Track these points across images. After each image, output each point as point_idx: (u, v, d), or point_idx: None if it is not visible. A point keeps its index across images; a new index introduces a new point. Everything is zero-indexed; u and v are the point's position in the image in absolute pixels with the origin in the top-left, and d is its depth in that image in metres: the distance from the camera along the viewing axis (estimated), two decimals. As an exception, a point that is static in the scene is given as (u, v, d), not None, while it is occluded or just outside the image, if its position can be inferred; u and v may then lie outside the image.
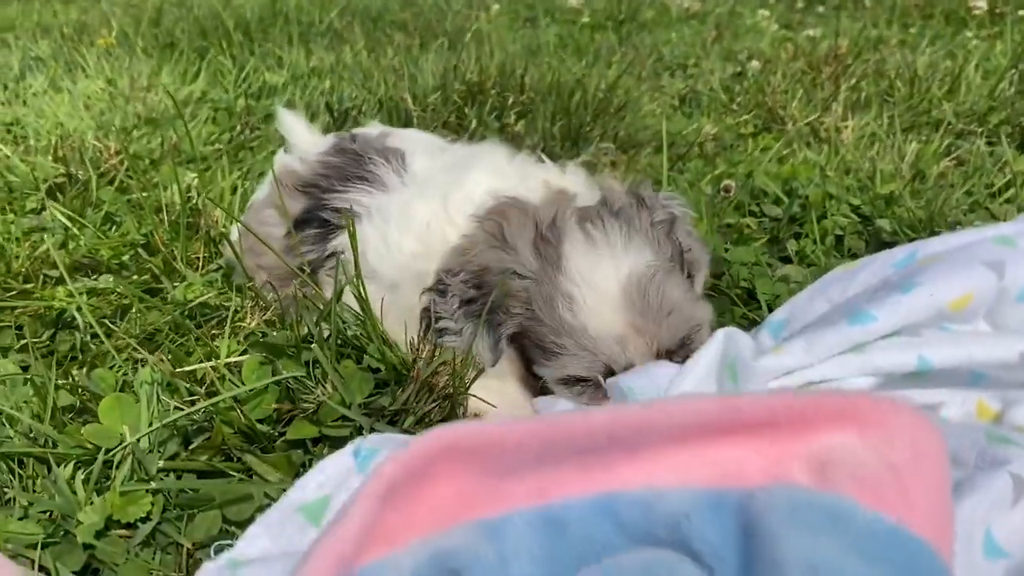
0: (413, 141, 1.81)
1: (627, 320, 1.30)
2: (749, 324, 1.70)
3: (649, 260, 1.34)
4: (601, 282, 1.31)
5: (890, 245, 2.01)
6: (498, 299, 1.36)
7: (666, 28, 5.40)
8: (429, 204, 1.53)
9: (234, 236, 1.90)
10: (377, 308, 1.50)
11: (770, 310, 1.69)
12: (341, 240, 1.59)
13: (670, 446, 0.73)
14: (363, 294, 1.47)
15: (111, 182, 2.39)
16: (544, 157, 1.69)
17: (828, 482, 0.69)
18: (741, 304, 1.75)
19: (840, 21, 5.48)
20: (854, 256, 2.02)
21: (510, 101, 2.93)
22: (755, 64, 3.70)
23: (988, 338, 1.34)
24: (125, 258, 2.01)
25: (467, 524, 0.71)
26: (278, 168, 1.84)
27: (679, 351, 1.35)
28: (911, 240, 1.98)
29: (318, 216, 1.65)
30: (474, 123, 2.80)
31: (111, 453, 1.26)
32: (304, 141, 2.05)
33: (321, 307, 1.53)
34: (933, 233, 1.99)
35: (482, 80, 3.05)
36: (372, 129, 1.92)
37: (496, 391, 1.44)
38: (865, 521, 0.65)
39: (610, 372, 1.33)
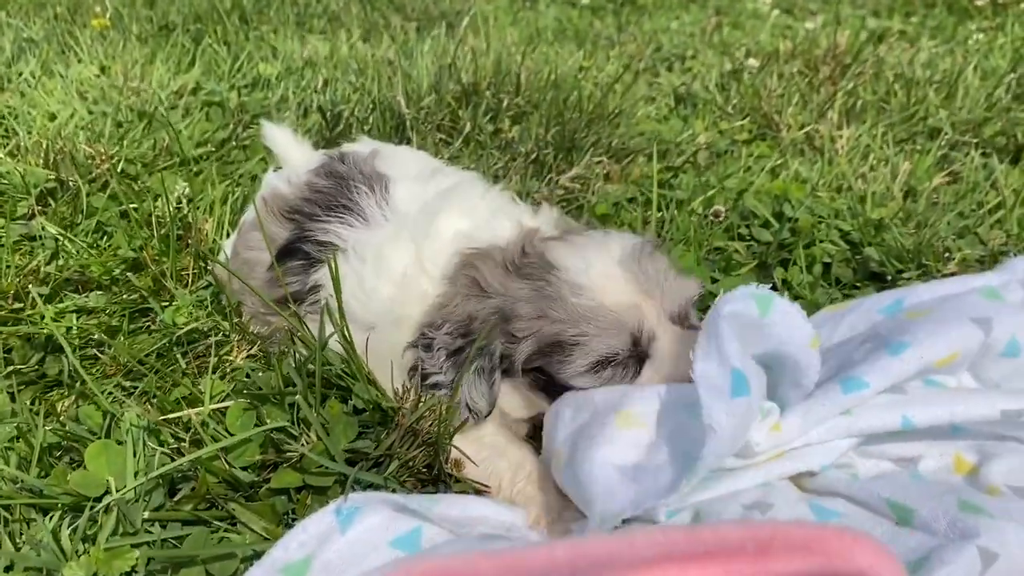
0: (401, 165, 1.80)
1: (634, 289, 1.40)
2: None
3: (628, 239, 1.48)
4: (599, 265, 1.41)
5: (878, 275, 2.03)
6: (489, 340, 1.41)
7: (666, 12, 5.36)
8: (402, 253, 1.56)
9: (225, 249, 1.91)
10: (359, 348, 1.52)
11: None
12: (323, 273, 1.59)
13: (634, 572, 0.74)
14: (347, 335, 1.48)
15: (103, 187, 2.39)
16: (516, 198, 1.74)
17: (789, 617, 0.71)
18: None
19: (841, 6, 5.44)
20: (841, 285, 2.03)
21: (505, 104, 2.91)
22: (752, 62, 3.67)
23: (971, 395, 1.35)
24: (115, 273, 2.01)
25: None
26: (266, 189, 1.83)
27: (686, 319, 1.46)
28: (898, 272, 2.00)
29: (301, 248, 1.66)
30: (468, 126, 2.79)
31: (97, 507, 1.27)
32: (293, 156, 2.04)
33: (303, 342, 1.54)
34: (921, 265, 2.00)
35: (477, 80, 3.03)
36: (363, 147, 1.91)
37: (474, 439, 1.46)
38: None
39: (635, 342, 1.39)
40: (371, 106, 2.92)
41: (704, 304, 1.84)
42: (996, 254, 2.13)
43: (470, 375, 1.41)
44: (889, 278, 2.00)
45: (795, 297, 1.92)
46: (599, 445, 1.27)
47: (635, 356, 1.41)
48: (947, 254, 2.07)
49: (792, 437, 1.32)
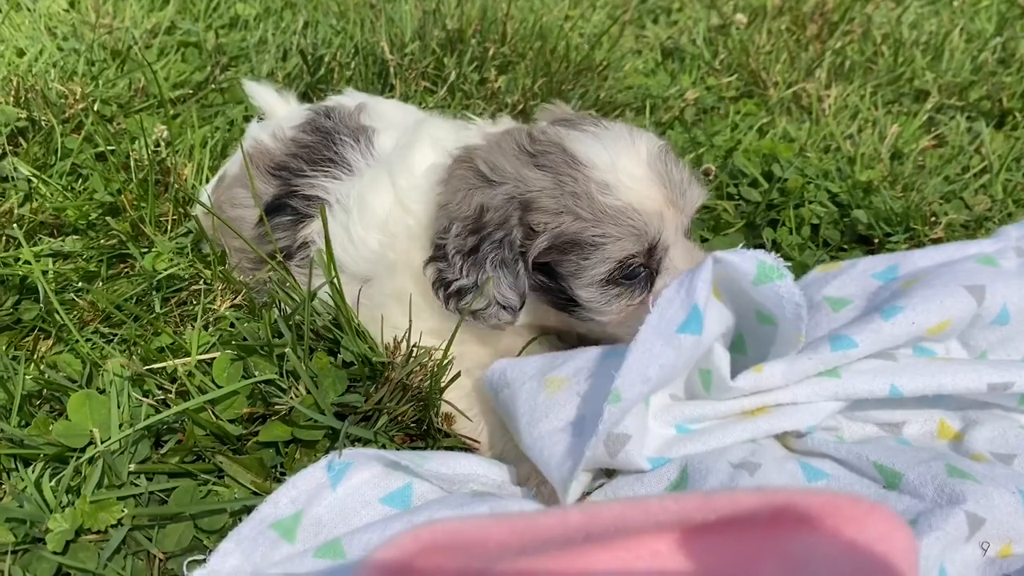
0: (387, 118, 1.76)
1: (660, 194, 1.35)
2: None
3: (654, 140, 1.41)
4: (629, 165, 1.34)
5: (866, 238, 2.03)
6: (507, 229, 1.35)
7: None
8: (383, 196, 1.52)
9: (203, 197, 1.85)
10: (351, 300, 1.49)
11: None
12: (312, 228, 1.57)
13: (646, 536, 0.74)
14: (338, 284, 1.45)
15: (77, 128, 2.31)
16: (472, 116, 1.70)
17: (800, 585, 0.71)
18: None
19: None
20: (828, 247, 2.03)
21: (491, 53, 2.85)
22: (740, 17, 3.62)
23: (959, 367, 1.36)
24: (92, 218, 1.96)
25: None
26: (250, 144, 1.78)
27: (689, 231, 1.44)
28: (886, 235, 2.00)
29: (288, 204, 1.62)
30: (453, 75, 2.73)
31: (81, 459, 1.25)
32: (278, 112, 1.99)
33: (294, 296, 1.51)
34: (908, 228, 2.00)
35: (463, 27, 2.96)
36: (349, 100, 1.86)
37: (466, 393, 1.45)
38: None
39: (650, 252, 1.36)
40: (353, 51, 2.84)
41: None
42: (981, 219, 2.14)
43: (491, 269, 1.35)
44: (876, 241, 2.00)
45: (784, 258, 1.90)
46: (537, 421, 1.27)
47: (648, 268, 1.38)
48: (934, 218, 2.08)
49: (774, 383, 1.33)
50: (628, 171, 1.34)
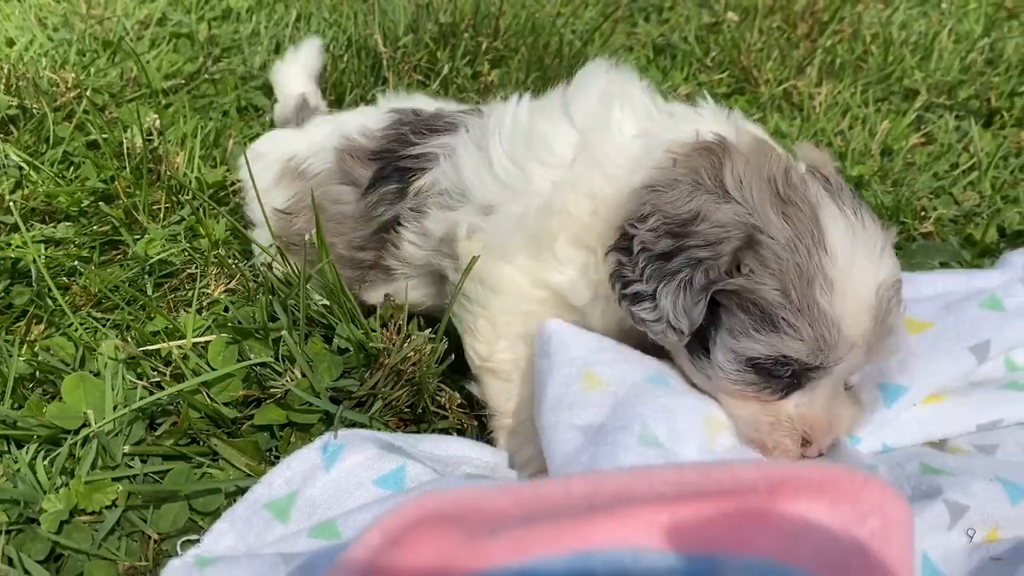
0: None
1: (867, 331, 1.20)
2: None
3: (897, 271, 1.24)
4: (862, 283, 1.18)
5: (856, 232, 2.04)
6: (717, 254, 1.17)
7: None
8: (566, 137, 1.35)
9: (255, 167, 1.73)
10: (463, 231, 1.38)
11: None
12: (424, 180, 1.46)
13: (648, 508, 0.74)
14: (334, 274, 1.45)
15: (68, 117, 2.30)
16: (709, 97, 1.46)
17: (795, 556, 0.72)
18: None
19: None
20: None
21: (484, 47, 2.85)
22: (732, 16, 3.64)
23: (944, 414, 1.36)
24: (84, 205, 1.95)
25: (445, 584, 0.73)
26: (339, 142, 1.67)
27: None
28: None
29: (395, 168, 1.53)
30: (446, 68, 2.73)
31: (76, 437, 1.24)
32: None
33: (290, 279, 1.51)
34: (899, 222, 2.01)
35: (456, 22, 2.97)
36: (427, 104, 1.81)
37: (491, 368, 1.39)
38: (829, 601, 0.68)
39: (815, 368, 1.21)
40: (347, 43, 2.84)
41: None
42: (970, 214, 2.16)
43: (673, 286, 1.18)
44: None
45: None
46: (561, 409, 1.21)
47: (795, 378, 1.24)
48: (923, 213, 2.10)
49: None
50: (858, 286, 1.17)
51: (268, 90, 2.59)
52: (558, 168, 1.33)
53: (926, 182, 2.25)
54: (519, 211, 1.33)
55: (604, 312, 1.33)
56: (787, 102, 2.91)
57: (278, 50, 2.98)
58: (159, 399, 1.29)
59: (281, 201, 1.67)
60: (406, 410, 1.42)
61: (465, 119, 1.53)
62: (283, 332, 1.32)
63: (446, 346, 1.40)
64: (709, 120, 1.33)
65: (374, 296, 1.55)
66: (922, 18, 3.94)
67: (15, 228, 1.85)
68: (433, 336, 1.40)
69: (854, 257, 1.17)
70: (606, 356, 1.27)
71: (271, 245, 1.55)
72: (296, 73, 2.38)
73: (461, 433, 1.45)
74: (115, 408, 1.29)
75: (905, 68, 3.15)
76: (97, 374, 1.37)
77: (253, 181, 1.60)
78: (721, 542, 0.74)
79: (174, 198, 2.00)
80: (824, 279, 1.15)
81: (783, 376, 1.22)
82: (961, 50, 3.34)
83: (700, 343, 1.26)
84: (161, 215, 1.96)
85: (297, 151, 1.75)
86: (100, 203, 1.86)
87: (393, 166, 1.52)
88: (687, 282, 1.18)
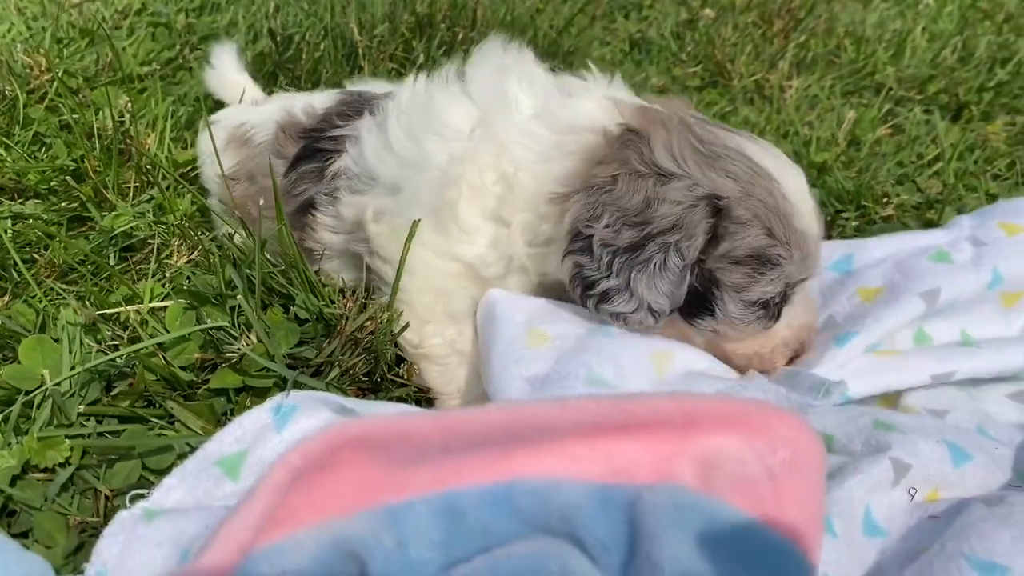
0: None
1: (820, 230, 1.34)
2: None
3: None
4: (803, 194, 1.31)
5: (818, 215, 2.07)
6: (690, 233, 1.22)
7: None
8: (466, 112, 1.39)
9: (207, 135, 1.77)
10: (370, 214, 1.43)
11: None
12: (339, 164, 1.50)
13: (567, 440, 0.77)
14: (291, 240, 1.47)
15: (41, 99, 2.32)
16: (594, 69, 1.49)
17: (710, 484, 0.74)
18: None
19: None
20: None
21: (460, 37, 2.88)
22: (708, 12, 3.68)
23: (903, 362, 1.39)
24: (54, 183, 1.96)
25: (369, 510, 0.74)
26: (281, 117, 1.71)
27: None
28: (838, 211, 2.04)
29: (315, 148, 1.58)
30: (422, 57, 2.76)
31: (31, 395, 1.26)
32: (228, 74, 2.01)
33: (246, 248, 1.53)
34: (860, 207, 2.05)
35: (432, 12, 2.99)
36: (380, 88, 1.82)
37: (447, 339, 1.43)
38: (739, 524, 0.70)
39: (801, 282, 1.34)
40: (323, 32, 2.86)
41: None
42: (932, 201, 2.19)
43: (649, 273, 1.22)
44: (829, 218, 2.04)
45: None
46: (509, 365, 1.23)
47: (785, 298, 1.35)
48: (885, 199, 2.13)
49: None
50: (805, 199, 1.30)
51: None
52: (454, 140, 1.37)
53: (891, 170, 2.28)
54: (419, 187, 1.36)
55: (520, 286, 1.38)
56: (759, 95, 2.95)
57: (255, 39, 3.00)
58: (115, 359, 1.30)
59: (227, 166, 1.70)
60: (363, 378, 1.44)
61: (380, 101, 1.56)
62: (239, 297, 1.34)
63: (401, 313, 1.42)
64: (596, 96, 1.38)
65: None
66: (898, 18, 3.99)
67: (-17, 204, 1.87)
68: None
69: (787, 176, 1.29)
70: (550, 315, 1.31)
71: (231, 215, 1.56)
72: (229, 70, 2.32)
73: (419, 403, 1.47)
74: (72, 370, 1.30)
75: (877, 64, 3.19)
76: (57, 340, 1.38)
77: (213, 141, 1.61)
78: (639, 473, 0.76)
79: (144, 178, 2.01)
80: (791, 207, 1.26)
81: (779, 302, 1.33)
82: (934, 48, 3.39)
83: (696, 309, 1.31)
84: (131, 194, 1.97)
85: (247, 119, 1.81)
86: (68, 178, 1.87)
87: (314, 147, 1.57)
88: (662, 267, 1.22)
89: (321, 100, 1.75)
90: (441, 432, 0.73)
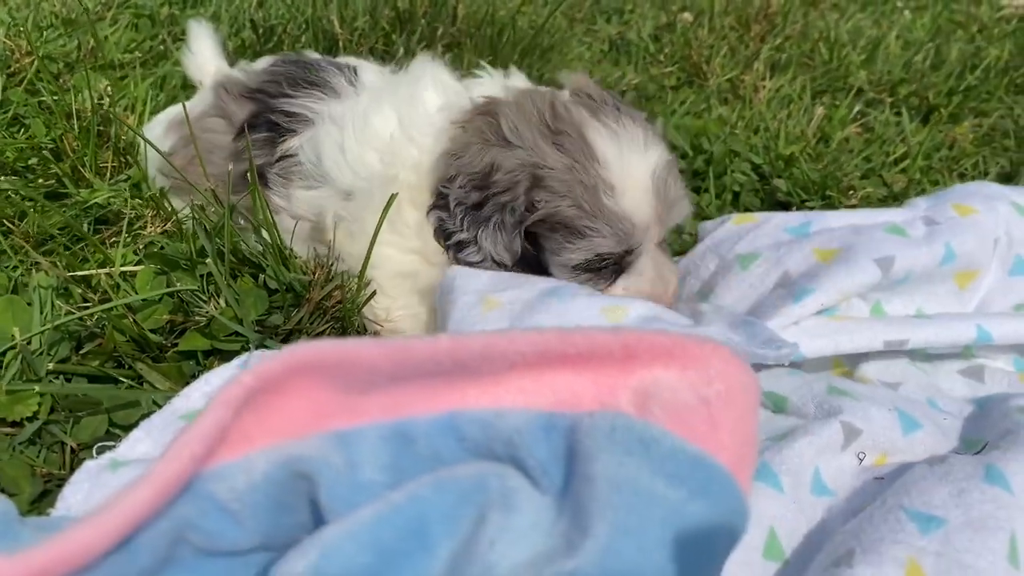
0: (360, 62, 1.82)
1: (654, 208, 1.44)
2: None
3: (662, 148, 1.48)
4: (637, 173, 1.41)
5: (784, 205, 2.12)
6: (514, 197, 1.41)
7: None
8: (385, 119, 1.55)
9: (158, 131, 1.90)
10: (330, 220, 1.55)
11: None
12: (291, 143, 1.61)
13: (513, 372, 0.80)
14: (267, 211, 1.50)
15: (20, 83, 2.33)
16: (487, 67, 1.71)
17: (647, 412, 0.77)
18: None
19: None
20: (747, 212, 2.11)
21: (440, 32, 2.92)
22: (687, 16, 3.74)
23: (856, 327, 1.42)
24: (32, 161, 1.99)
25: (320, 434, 0.77)
26: (217, 78, 1.82)
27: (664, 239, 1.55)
28: (803, 201, 2.09)
29: (267, 120, 1.65)
30: (401, 51, 2.80)
31: (0, 353, 1.28)
32: (209, 59, 2.05)
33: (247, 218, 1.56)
34: (825, 197, 2.09)
35: (413, 8, 3.04)
36: (313, 56, 1.90)
37: (407, 290, 1.53)
38: (670, 447, 0.74)
39: (626, 253, 1.46)
40: (304, 25, 2.90)
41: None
42: (897, 195, 2.25)
43: (490, 229, 1.43)
44: (794, 208, 2.09)
45: (704, 219, 2.00)
46: (464, 330, 1.30)
47: (618, 265, 1.48)
48: (851, 191, 2.18)
49: None
50: (634, 180, 1.41)
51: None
52: (382, 148, 1.53)
53: (858, 164, 2.33)
54: (369, 192, 1.51)
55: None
56: (733, 95, 3.00)
57: (238, 32, 3.03)
58: (85, 318, 1.33)
59: (167, 147, 1.79)
60: (331, 346, 1.46)
61: (335, 84, 1.66)
62: (208, 262, 1.36)
63: (369, 282, 1.45)
64: (488, 85, 1.59)
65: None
66: (874, 26, 4.06)
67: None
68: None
69: (623, 157, 1.40)
70: (504, 284, 1.37)
71: (206, 189, 1.59)
72: (208, 57, 2.37)
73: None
74: (41, 328, 1.33)
75: (850, 67, 3.26)
76: (30, 304, 1.40)
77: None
78: (581, 403, 0.80)
79: (121, 159, 2.04)
80: (604, 185, 1.39)
81: (608, 267, 1.47)
82: (907, 54, 3.46)
83: (537, 269, 1.49)
84: (108, 174, 2.00)
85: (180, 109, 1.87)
86: (47, 153, 1.89)
87: (265, 117, 1.65)
88: (500, 224, 1.42)
89: (257, 64, 1.87)
90: (391, 359, 0.76)
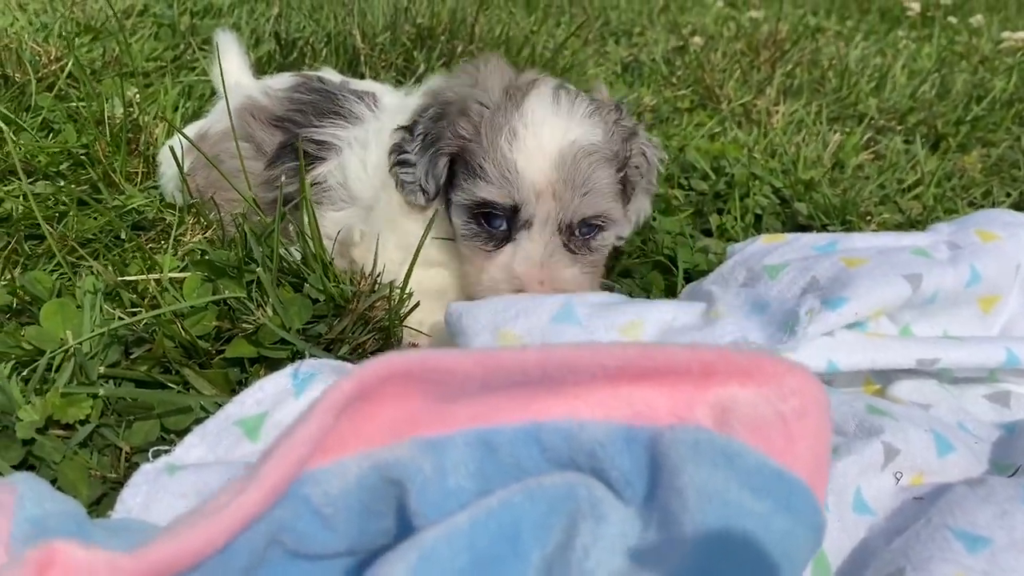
0: (379, 87, 1.86)
1: (551, 178, 1.41)
2: (667, 290, 1.81)
3: (595, 140, 1.45)
4: (547, 135, 1.42)
5: (805, 228, 2.16)
6: (446, 125, 1.49)
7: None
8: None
9: (178, 148, 1.91)
10: (357, 236, 1.61)
11: (687, 279, 1.81)
12: (321, 171, 1.66)
13: (594, 384, 0.82)
14: (314, 223, 1.52)
15: (49, 88, 2.35)
16: None
17: (727, 426, 0.79)
18: (662, 271, 1.86)
19: (783, 6, 5.63)
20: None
21: (459, 50, 2.96)
22: (697, 40, 3.80)
23: (890, 343, 1.46)
24: (63, 167, 2.00)
25: (411, 440, 0.79)
26: (241, 102, 1.82)
27: (579, 236, 1.50)
28: (824, 226, 2.13)
29: (295, 148, 1.67)
30: (422, 67, 2.83)
31: (52, 356, 1.29)
32: (235, 70, 2.07)
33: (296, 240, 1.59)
34: (845, 221, 2.13)
35: (433, 25, 3.07)
36: (333, 75, 1.94)
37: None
38: (754, 461, 0.76)
39: (514, 211, 1.44)
40: (326, 39, 2.93)
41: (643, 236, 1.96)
42: (913, 221, 2.29)
43: (426, 155, 1.51)
44: (815, 231, 2.12)
45: (728, 240, 2.03)
46: None
47: (509, 228, 1.47)
48: (869, 216, 2.22)
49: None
50: (540, 138, 1.42)
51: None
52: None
53: (873, 191, 2.38)
54: (382, 203, 1.60)
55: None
56: (747, 119, 3.05)
57: (257, 44, 3.06)
58: (135, 323, 1.34)
59: (187, 165, 1.80)
60: (372, 356, 1.48)
61: (358, 111, 1.73)
62: (258, 270, 1.38)
63: (411, 293, 1.47)
64: None
65: None
66: (879, 55, 4.14)
67: (-6, 183, 1.91)
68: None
69: (544, 119, 1.42)
70: (512, 311, 1.35)
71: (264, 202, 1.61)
72: (236, 73, 2.39)
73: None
74: (92, 331, 1.34)
75: (859, 94, 3.31)
76: (79, 307, 1.41)
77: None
78: (659, 416, 0.82)
79: (152, 166, 2.06)
80: (510, 130, 1.42)
81: (497, 228, 1.47)
82: (913, 83, 3.52)
83: (450, 216, 1.53)
84: (139, 180, 2.01)
85: (201, 125, 1.94)
86: (83, 157, 1.91)
87: (293, 146, 1.68)
88: (434, 155, 1.51)
89: (277, 82, 1.91)
90: (483, 369, 0.78)
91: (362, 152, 1.64)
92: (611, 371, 0.80)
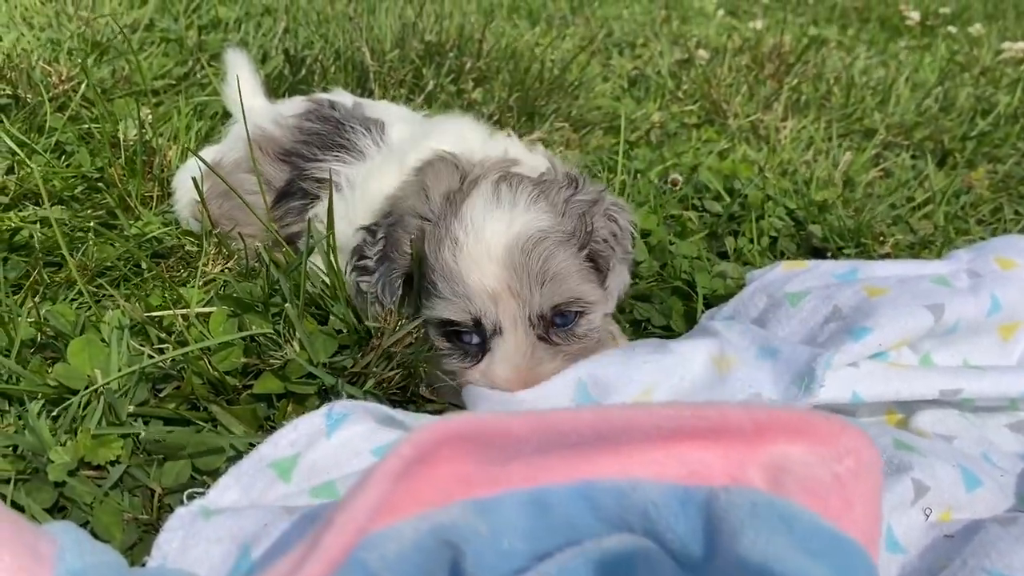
0: (392, 113, 1.85)
1: (503, 278, 1.33)
2: (686, 315, 1.81)
3: (543, 226, 1.37)
4: (489, 234, 1.34)
5: (820, 251, 2.16)
6: (396, 241, 1.45)
7: (616, 1, 5.46)
8: (386, 176, 1.58)
9: (195, 174, 1.90)
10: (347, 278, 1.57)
11: (707, 304, 1.81)
12: (318, 209, 1.64)
13: (647, 444, 0.82)
14: (334, 257, 1.52)
15: (60, 108, 2.34)
16: (514, 134, 1.75)
17: (781, 487, 0.80)
18: (680, 296, 1.86)
19: (782, 13, 5.64)
20: (785, 258, 2.15)
21: (468, 66, 2.96)
22: (702, 53, 3.80)
23: (913, 374, 1.46)
24: (78, 191, 1.99)
25: (464, 502, 0.79)
26: (253, 131, 1.80)
27: (557, 324, 1.41)
28: (839, 248, 2.13)
29: (300, 188, 1.68)
30: (431, 84, 2.83)
31: (82, 396, 1.28)
32: (247, 92, 2.06)
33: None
34: (859, 244, 2.14)
35: (441, 41, 3.07)
36: (346, 98, 1.93)
37: None
38: (812, 524, 0.76)
39: (477, 324, 1.37)
40: (334, 56, 2.93)
41: (660, 260, 1.96)
42: (925, 241, 2.30)
43: (383, 268, 1.48)
44: (830, 254, 2.13)
45: (744, 263, 2.03)
46: None
47: (479, 343, 1.40)
48: (882, 237, 2.22)
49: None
50: (482, 240, 1.34)
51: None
52: (377, 209, 1.57)
53: (884, 211, 2.38)
54: None
55: None
56: (754, 134, 3.05)
57: (265, 60, 3.05)
58: (164, 360, 1.33)
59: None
60: (396, 391, 1.48)
61: (362, 145, 1.70)
62: (286, 305, 1.38)
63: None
64: (502, 143, 1.64)
65: None
66: (881, 67, 4.15)
67: (8, 208, 1.89)
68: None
69: (485, 218, 1.35)
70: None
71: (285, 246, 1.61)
72: (248, 95, 2.37)
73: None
74: (120, 370, 1.33)
75: (865, 109, 3.32)
76: (105, 342, 1.41)
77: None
78: (713, 476, 0.82)
79: (167, 189, 2.05)
80: (452, 239, 1.36)
81: (469, 343, 1.41)
82: (917, 96, 3.53)
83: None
84: (154, 204, 2.01)
85: (215, 152, 1.93)
86: (98, 183, 1.90)
87: (298, 185, 1.68)
88: (389, 266, 1.46)
89: (288, 108, 1.89)
90: (537, 432, 0.78)
91: (351, 196, 1.61)
92: (665, 432, 0.80)
